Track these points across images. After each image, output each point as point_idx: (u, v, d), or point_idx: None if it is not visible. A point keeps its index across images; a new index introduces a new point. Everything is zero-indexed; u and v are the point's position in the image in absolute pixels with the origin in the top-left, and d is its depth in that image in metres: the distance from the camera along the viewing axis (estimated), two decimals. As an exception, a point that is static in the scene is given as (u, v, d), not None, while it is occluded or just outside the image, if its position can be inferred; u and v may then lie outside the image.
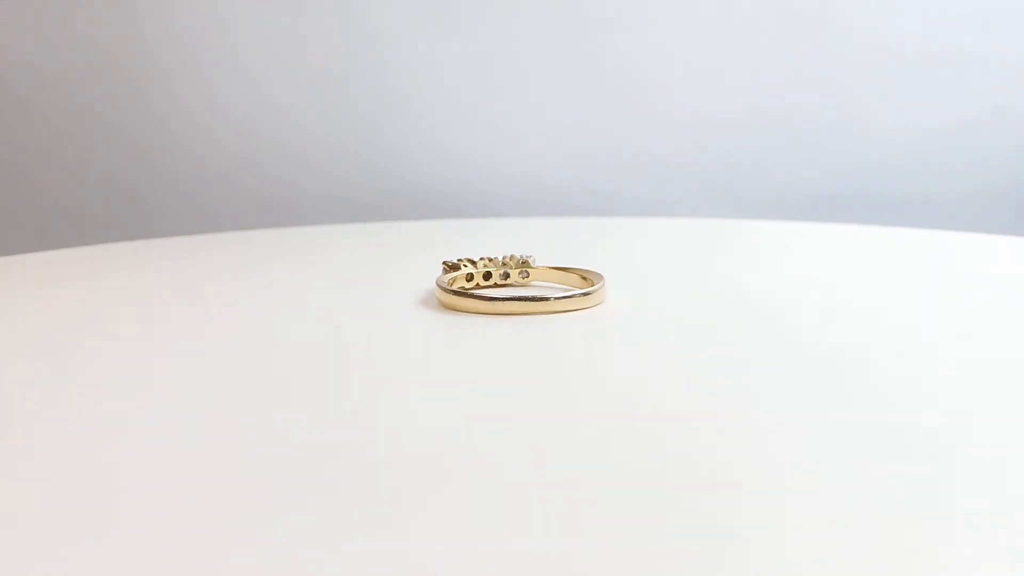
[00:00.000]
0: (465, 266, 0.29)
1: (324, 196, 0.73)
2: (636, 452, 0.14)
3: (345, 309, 0.27)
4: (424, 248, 0.43)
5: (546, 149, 0.72)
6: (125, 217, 0.74)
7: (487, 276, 0.29)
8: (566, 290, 0.27)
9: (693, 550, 0.11)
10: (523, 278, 0.29)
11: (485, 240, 0.46)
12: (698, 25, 0.69)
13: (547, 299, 0.25)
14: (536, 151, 0.72)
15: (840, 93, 0.69)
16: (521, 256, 0.29)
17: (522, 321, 0.24)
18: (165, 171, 0.73)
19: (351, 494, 0.13)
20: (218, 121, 0.72)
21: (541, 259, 0.35)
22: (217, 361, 0.21)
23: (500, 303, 0.25)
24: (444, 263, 0.29)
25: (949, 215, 0.69)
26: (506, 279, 0.29)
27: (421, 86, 0.71)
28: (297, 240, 0.47)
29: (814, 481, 0.13)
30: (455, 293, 0.26)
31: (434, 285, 0.27)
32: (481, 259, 0.29)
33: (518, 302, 0.25)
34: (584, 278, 0.28)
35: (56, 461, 0.14)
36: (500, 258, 0.29)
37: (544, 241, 0.44)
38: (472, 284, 0.29)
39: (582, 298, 0.26)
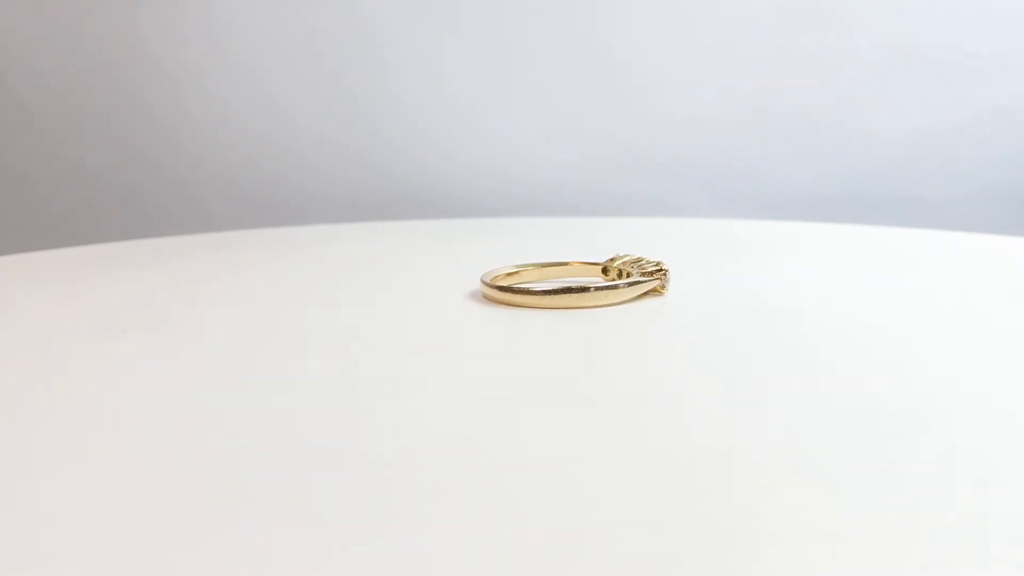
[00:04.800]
0: (610, 262, 0.30)
1: (324, 196, 0.73)
2: (647, 449, 0.14)
3: (356, 306, 0.27)
4: (427, 247, 0.43)
5: (547, 149, 0.72)
6: (125, 217, 0.74)
7: (605, 271, 0.30)
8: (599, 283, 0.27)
9: (711, 552, 0.11)
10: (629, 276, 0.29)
11: (485, 240, 0.46)
12: (699, 25, 0.69)
13: (588, 289, 0.25)
14: (537, 151, 0.72)
15: (840, 93, 0.69)
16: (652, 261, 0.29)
17: (563, 315, 0.25)
18: (166, 170, 0.73)
19: (361, 491, 0.13)
20: (219, 121, 0.72)
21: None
22: (220, 359, 0.21)
23: (535, 297, 0.26)
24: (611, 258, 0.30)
25: (949, 215, 0.69)
26: (606, 273, 0.30)
27: (421, 86, 0.71)
28: (299, 239, 0.47)
29: (814, 476, 0.13)
30: (498, 288, 0.27)
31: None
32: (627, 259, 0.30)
33: (550, 296, 0.26)
34: (621, 273, 0.29)
35: (57, 461, 0.14)
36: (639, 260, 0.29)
37: (544, 241, 0.44)
38: (609, 277, 0.30)
39: (625, 289, 0.26)
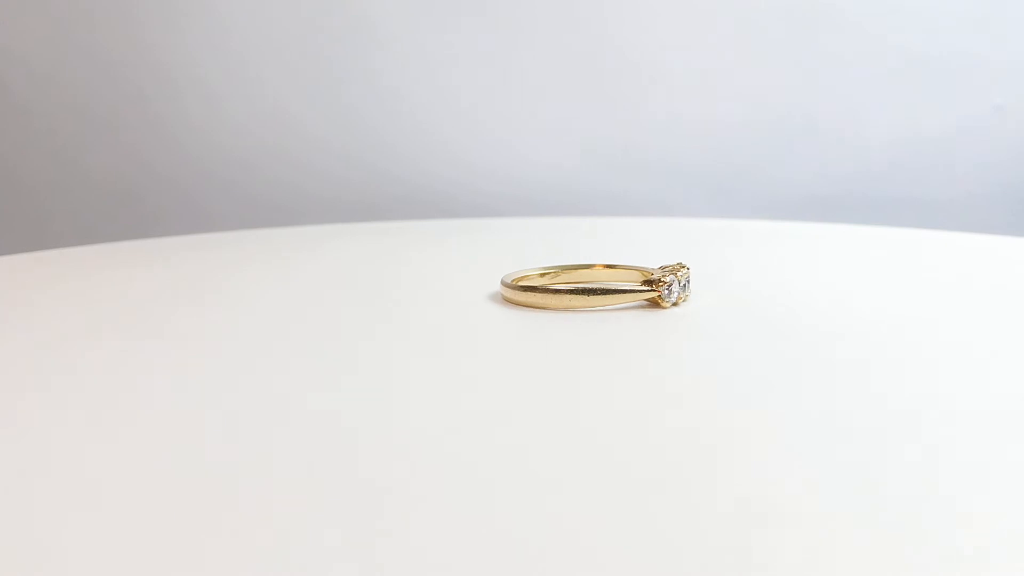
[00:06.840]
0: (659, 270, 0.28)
1: (324, 196, 0.73)
2: (654, 451, 0.14)
3: (361, 307, 0.27)
4: (431, 247, 0.42)
5: (546, 149, 0.72)
6: (125, 217, 0.74)
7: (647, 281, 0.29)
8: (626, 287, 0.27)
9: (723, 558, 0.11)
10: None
11: (485, 240, 0.46)
12: (699, 26, 0.69)
13: (614, 292, 0.26)
14: (536, 151, 0.72)
15: (840, 94, 0.69)
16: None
17: (582, 316, 0.25)
18: (165, 171, 0.73)
19: (369, 491, 0.13)
20: (219, 121, 0.72)
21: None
22: (224, 360, 0.21)
23: (551, 296, 0.26)
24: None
25: (949, 215, 0.69)
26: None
27: (422, 86, 0.71)
28: (299, 239, 0.47)
29: (816, 475, 0.13)
30: (518, 288, 0.26)
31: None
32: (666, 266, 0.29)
33: (574, 296, 0.25)
34: (642, 273, 0.28)
35: (57, 461, 0.14)
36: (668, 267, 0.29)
37: (544, 241, 0.44)
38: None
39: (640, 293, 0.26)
